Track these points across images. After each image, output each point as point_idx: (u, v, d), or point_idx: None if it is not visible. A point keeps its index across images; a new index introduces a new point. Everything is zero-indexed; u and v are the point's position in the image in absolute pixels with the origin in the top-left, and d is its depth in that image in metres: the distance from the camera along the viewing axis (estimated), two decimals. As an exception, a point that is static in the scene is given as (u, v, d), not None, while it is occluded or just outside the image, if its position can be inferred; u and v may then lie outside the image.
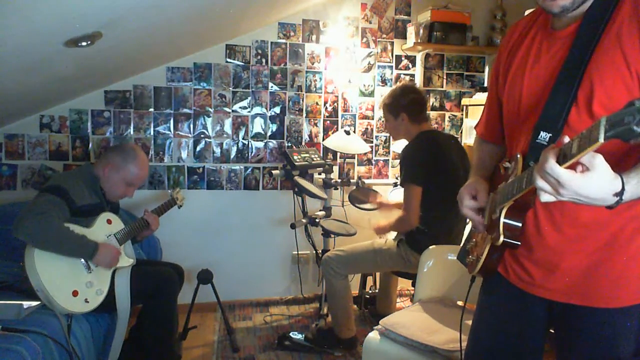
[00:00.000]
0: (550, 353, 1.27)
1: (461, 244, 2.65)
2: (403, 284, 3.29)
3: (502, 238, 1.06)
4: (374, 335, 1.97)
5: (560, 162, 0.82)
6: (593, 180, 0.82)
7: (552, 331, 1.24)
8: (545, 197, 0.87)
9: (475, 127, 1.45)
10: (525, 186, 0.96)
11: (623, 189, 0.84)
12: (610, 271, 1.07)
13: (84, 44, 1.75)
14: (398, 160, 3.46)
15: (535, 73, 1.14)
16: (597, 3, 1.04)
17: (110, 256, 2.08)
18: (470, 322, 1.39)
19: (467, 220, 2.65)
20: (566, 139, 0.83)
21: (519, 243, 1.08)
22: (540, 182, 0.86)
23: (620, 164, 0.88)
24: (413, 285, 2.68)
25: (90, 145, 3.03)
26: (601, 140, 0.73)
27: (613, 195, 0.85)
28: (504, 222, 1.06)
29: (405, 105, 2.51)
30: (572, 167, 0.83)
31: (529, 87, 1.14)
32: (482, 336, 1.33)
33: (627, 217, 1.04)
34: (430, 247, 2.24)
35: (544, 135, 1.04)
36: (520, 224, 1.07)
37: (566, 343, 1.18)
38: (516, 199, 1.03)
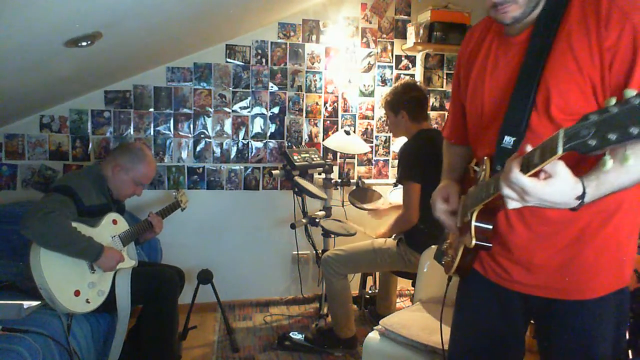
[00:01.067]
0: (536, 353, 1.28)
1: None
2: (403, 284, 3.29)
3: (474, 241, 1.09)
4: (374, 335, 1.97)
5: (524, 171, 0.86)
6: (556, 187, 0.86)
7: (533, 322, 1.27)
8: (512, 204, 0.91)
9: (442, 131, 1.49)
10: (493, 192, 0.99)
11: (584, 192, 0.89)
12: (582, 264, 1.11)
13: (84, 44, 1.75)
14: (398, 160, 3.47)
15: (495, 79, 1.17)
16: (546, 9, 1.07)
17: (114, 260, 2.08)
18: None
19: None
20: (528, 148, 0.87)
21: (491, 245, 1.10)
22: (506, 191, 0.90)
23: (580, 164, 0.92)
24: (413, 285, 2.68)
25: (90, 145, 3.03)
26: (559, 152, 0.78)
27: (575, 199, 0.89)
28: (475, 226, 1.09)
29: (405, 102, 2.51)
30: (536, 174, 0.86)
31: (490, 93, 1.18)
32: (463, 334, 1.35)
33: (592, 211, 1.07)
34: (430, 246, 2.24)
35: (509, 140, 1.07)
36: (491, 226, 1.09)
37: (546, 335, 1.21)
38: (485, 203, 1.05)
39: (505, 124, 1.10)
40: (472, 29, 1.31)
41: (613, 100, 0.72)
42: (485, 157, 1.12)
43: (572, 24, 1.03)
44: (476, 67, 1.23)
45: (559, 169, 0.84)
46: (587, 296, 1.12)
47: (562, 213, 0.99)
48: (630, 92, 0.71)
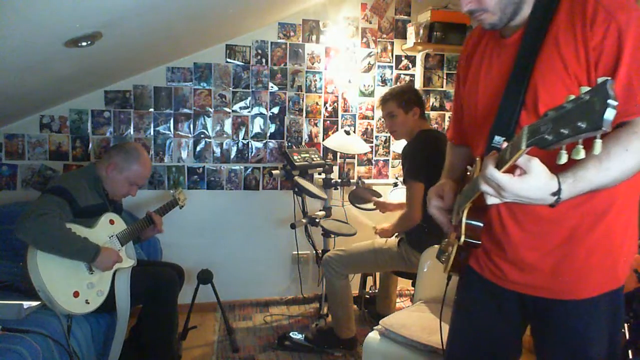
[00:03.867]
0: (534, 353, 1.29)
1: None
2: (403, 284, 3.29)
3: (463, 238, 1.11)
4: (374, 335, 1.97)
5: (498, 167, 0.88)
6: (530, 183, 0.87)
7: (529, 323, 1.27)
8: (490, 200, 0.94)
9: (446, 132, 1.49)
10: (476, 189, 1.00)
11: (560, 188, 0.90)
12: (573, 264, 1.12)
13: (84, 44, 1.75)
14: (398, 160, 3.47)
15: (488, 79, 1.19)
16: (536, 11, 1.09)
17: (111, 260, 2.07)
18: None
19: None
20: (504, 145, 0.89)
21: (480, 242, 1.12)
22: (484, 187, 0.92)
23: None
24: (413, 285, 2.68)
25: (90, 145, 3.03)
26: (523, 147, 0.80)
27: (551, 195, 0.90)
28: (465, 223, 1.11)
29: (417, 100, 2.53)
30: (512, 171, 0.88)
31: (483, 94, 1.20)
32: (461, 333, 1.36)
33: (582, 212, 1.08)
34: (431, 246, 2.24)
35: (499, 139, 1.09)
36: (481, 224, 1.11)
37: (540, 335, 1.23)
38: (474, 201, 1.07)
39: (496, 123, 1.12)
40: (472, 31, 1.34)
41: (572, 97, 0.74)
42: (478, 157, 1.13)
43: (560, 25, 1.04)
44: (472, 68, 1.26)
45: (533, 165, 0.86)
46: (579, 296, 1.13)
47: (552, 212, 1.00)
48: (584, 89, 0.72)
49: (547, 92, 1.05)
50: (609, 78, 0.70)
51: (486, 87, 1.20)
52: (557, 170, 0.89)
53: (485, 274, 1.27)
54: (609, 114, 0.68)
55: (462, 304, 1.37)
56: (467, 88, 1.28)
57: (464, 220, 1.11)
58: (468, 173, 1.19)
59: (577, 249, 1.11)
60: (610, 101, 0.68)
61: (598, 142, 0.73)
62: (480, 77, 1.22)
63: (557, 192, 0.90)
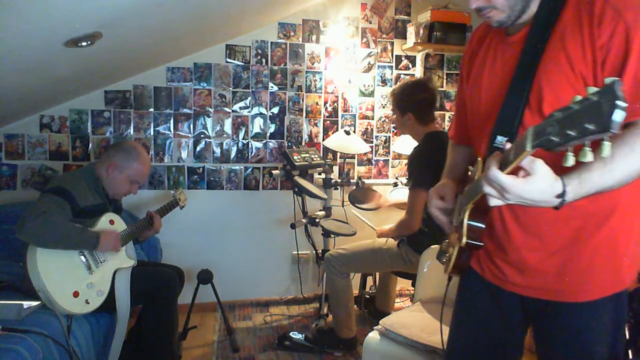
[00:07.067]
0: (535, 353, 1.28)
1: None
2: (403, 284, 3.29)
3: (464, 239, 1.09)
4: (374, 335, 1.97)
5: (502, 168, 0.87)
6: (534, 184, 0.86)
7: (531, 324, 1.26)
8: (493, 202, 0.92)
9: (448, 131, 1.48)
10: (479, 190, 0.99)
11: (565, 190, 0.88)
12: (576, 266, 1.11)
13: (84, 44, 1.75)
14: (398, 160, 3.47)
15: (492, 78, 1.18)
16: (543, 8, 1.07)
17: (112, 241, 2.09)
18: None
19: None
20: (507, 146, 0.88)
21: (482, 244, 1.11)
22: (487, 189, 0.91)
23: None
24: (413, 285, 2.68)
25: (90, 145, 3.03)
26: (528, 149, 0.79)
27: (555, 197, 0.88)
28: (467, 224, 1.09)
29: (414, 105, 2.46)
30: (516, 172, 0.87)
31: (486, 92, 1.19)
32: (461, 333, 1.36)
33: (585, 214, 1.07)
34: (430, 247, 2.24)
35: (501, 139, 1.07)
36: (483, 226, 1.10)
37: (542, 337, 1.21)
38: (476, 202, 1.06)
39: (498, 123, 1.10)
40: (476, 29, 1.33)
41: (578, 97, 0.72)
42: (480, 158, 1.12)
43: (566, 23, 1.03)
44: (476, 66, 1.25)
45: (537, 167, 0.85)
46: (581, 299, 1.11)
47: (555, 214, 0.99)
48: (591, 89, 0.70)
49: (551, 91, 1.03)
50: (617, 79, 0.68)
51: (489, 85, 1.18)
52: (561, 172, 0.87)
53: (486, 276, 1.26)
54: (618, 116, 0.67)
55: (462, 305, 1.36)
56: (470, 86, 1.26)
57: (465, 221, 1.09)
58: (469, 173, 1.18)
59: (580, 252, 1.09)
60: (619, 102, 0.66)
61: (607, 145, 0.70)
62: (483, 76, 1.20)
63: (562, 194, 0.88)
